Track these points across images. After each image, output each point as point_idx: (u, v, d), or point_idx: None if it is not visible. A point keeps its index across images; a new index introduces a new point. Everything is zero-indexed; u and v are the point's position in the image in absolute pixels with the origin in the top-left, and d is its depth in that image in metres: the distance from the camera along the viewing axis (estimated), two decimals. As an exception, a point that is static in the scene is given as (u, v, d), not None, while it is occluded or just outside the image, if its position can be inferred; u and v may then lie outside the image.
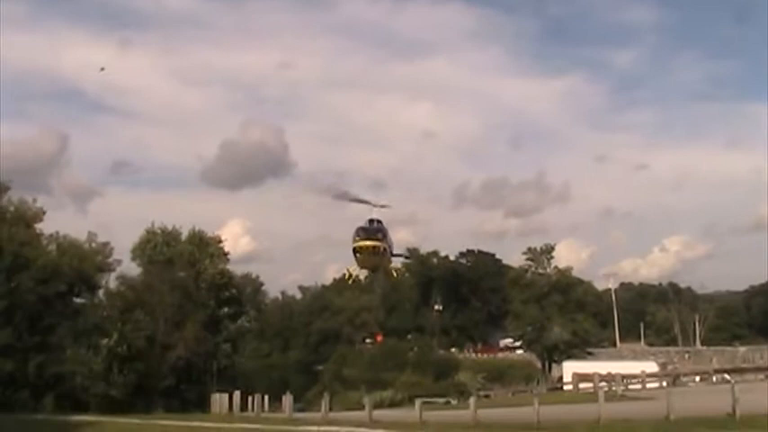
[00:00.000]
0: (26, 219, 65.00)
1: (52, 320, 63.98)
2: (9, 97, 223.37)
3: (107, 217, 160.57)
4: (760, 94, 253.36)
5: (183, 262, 78.88)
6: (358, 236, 69.77)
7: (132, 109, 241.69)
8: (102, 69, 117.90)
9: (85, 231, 71.57)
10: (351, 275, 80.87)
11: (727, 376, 60.93)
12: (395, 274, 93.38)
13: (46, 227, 67.88)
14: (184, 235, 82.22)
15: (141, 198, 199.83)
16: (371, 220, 66.99)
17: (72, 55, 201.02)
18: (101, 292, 71.82)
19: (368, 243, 65.67)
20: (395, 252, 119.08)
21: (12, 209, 64.82)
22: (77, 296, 69.36)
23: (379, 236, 69.30)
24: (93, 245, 70.06)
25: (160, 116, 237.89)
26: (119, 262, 73.54)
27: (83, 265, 66.99)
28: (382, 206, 77.82)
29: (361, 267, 67.58)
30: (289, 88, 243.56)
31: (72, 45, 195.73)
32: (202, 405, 62.31)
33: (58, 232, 69.52)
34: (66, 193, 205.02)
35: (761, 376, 64.17)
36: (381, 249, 68.13)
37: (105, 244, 71.03)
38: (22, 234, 62.83)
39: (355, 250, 67.58)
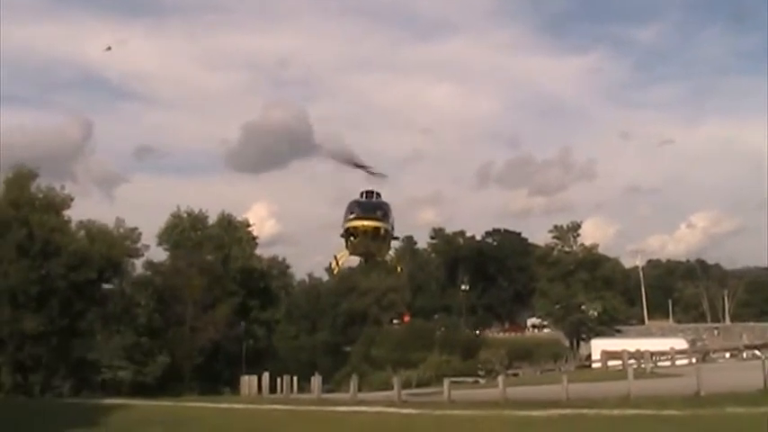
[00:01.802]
0: (55, 205, 65.69)
1: (82, 306, 64.86)
2: (35, 86, 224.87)
3: (133, 203, 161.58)
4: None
5: (210, 246, 79.47)
6: (352, 213, 41.90)
7: (156, 95, 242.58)
8: (109, 48, 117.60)
9: (111, 218, 72.18)
10: (337, 265, 46.41)
11: (757, 352, 60.51)
12: (398, 269, 71.46)
13: (73, 214, 68.54)
14: (211, 219, 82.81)
15: (166, 183, 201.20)
16: (369, 193, 42.50)
17: (95, 42, 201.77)
18: (129, 278, 72.59)
19: (366, 224, 41.34)
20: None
21: (40, 196, 65.50)
22: (106, 282, 70.10)
23: (379, 214, 42.81)
24: (122, 230, 70.67)
25: (183, 101, 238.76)
26: (146, 247, 74.30)
27: (111, 251, 67.67)
28: (381, 175, 52.58)
29: (352, 254, 42.25)
30: (310, 70, 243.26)
31: (95, 33, 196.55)
32: (234, 387, 62.93)
33: (87, 219, 70.24)
34: (92, 179, 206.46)
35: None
36: (383, 232, 42.91)
37: (133, 229, 71.70)
38: (52, 221, 63.58)
39: (348, 232, 41.76)
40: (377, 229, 38.40)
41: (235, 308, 75.88)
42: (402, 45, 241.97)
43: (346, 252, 41.30)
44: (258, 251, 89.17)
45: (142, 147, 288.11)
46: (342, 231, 39.48)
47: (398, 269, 74.72)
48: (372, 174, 41.07)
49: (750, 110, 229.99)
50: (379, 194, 40.91)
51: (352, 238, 38.93)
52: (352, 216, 38.49)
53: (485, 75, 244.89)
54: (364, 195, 40.17)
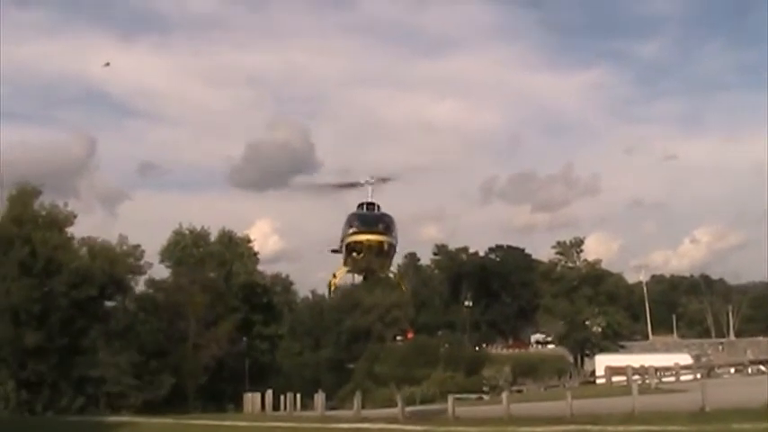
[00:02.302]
0: (58, 222, 65.66)
1: (84, 323, 64.64)
2: (39, 103, 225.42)
3: (136, 220, 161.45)
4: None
5: (213, 262, 79.39)
6: (352, 226, 36.63)
7: (159, 112, 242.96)
8: (107, 64, 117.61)
9: (114, 235, 72.05)
10: (334, 284, 40.53)
11: (762, 367, 60.41)
12: (403, 287, 65.81)
13: (76, 230, 68.46)
14: (213, 236, 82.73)
15: (170, 200, 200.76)
16: (370, 204, 35.51)
17: (99, 60, 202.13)
18: (132, 295, 72.46)
19: (372, 238, 35.45)
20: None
21: (44, 213, 65.47)
22: (109, 299, 69.95)
23: (382, 227, 36.34)
24: (125, 247, 70.56)
25: (187, 118, 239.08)
26: (149, 265, 74.17)
27: (114, 268, 67.55)
28: (383, 180, 41.00)
29: (352, 271, 35.31)
30: (314, 88, 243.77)
31: (99, 49, 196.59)
32: (238, 404, 62.71)
33: (89, 236, 70.14)
34: (95, 196, 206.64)
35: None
36: (386, 247, 36.52)
37: (136, 246, 71.58)
38: (54, 238, 63.53)
39: (349, 247, 36.71)
40: (381, 243, 35.27)
41: (237, 324, 75.65)
42: (405, 62, 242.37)
43: (344, 269, 38.67)
44: (262, 268, 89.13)
45: (146, 163, 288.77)
46: (339, 246, 36.90)
47: (402, 288, 74.20)
48: (369, 183, 37.69)
49: (751, 124, 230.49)
50: (379, 206, 37.47)
51: (354, 254, 35.76)
52: (352, 230, 35.57)
53: (488, 90, 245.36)
54: (364, 207, 36.98)
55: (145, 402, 62.22)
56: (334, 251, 40.44)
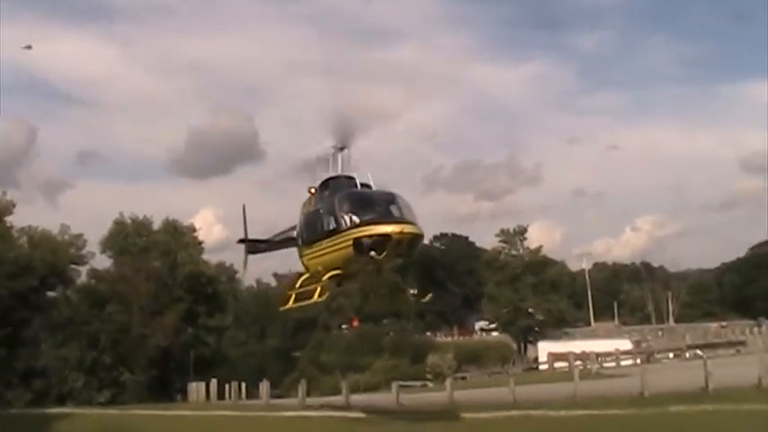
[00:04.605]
0: (-4, 211, 64.62)
1: (25, 314, 63.65)
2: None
3: (78, 209, 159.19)
4: (728, 75, 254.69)
5: (156, 252, 78.48)
6: (358, 213, 25.59)
7: (101, 100, 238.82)
8: (29, 47, 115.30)
9: (56, 225, 70.95)
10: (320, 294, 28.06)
11: (699, 352, 61.53)
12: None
13: (16, 220, 67.35)
14: (156, 224, 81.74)
15: (113, 190, 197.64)
16: (363, 184, 27.93)
17: (39, 47, 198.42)
18: (74, 285, 71.52)
19: (407, 229, 24.54)
20: None
21: (-19, 202, 64.38)
22: (50, 290, 68.96)
23: (407, 213, 25.92)
24: (66, 237, 69.58)
25: (129, 107, 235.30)
26: (92, 254, 73.21)
27: (55, 258, 66.67)
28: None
29: (342, 275, 27.47)
30: (258, 76, 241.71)
31: (40, 37, 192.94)
32: (185, 394, 62.37)
33: (30, 225, 69.09)
34: (36, 185, 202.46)
35: (732, 351, 65.08)
36: (418, 242, 26.68)
37: (78, 236, 70.72)
38: (-8, 228, 62.50)
39: (362, 243, 24.85)
40: (415, 237, 24.90)
41: (182, 314, 74.95)
42: (349, 52, 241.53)
43: (321, 275, 26.80)
44: (206, 257, 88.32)
45: (87, 152, 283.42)
46: (338, 242, 25.51)
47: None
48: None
49: (691, 116, 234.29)
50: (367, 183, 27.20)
51: (371, 252, 24.35)
52: (368, 218, 24.79)
53: (432, 81, 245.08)
54: (357, 185, 27.13)
55: (88, 393, 61.58)
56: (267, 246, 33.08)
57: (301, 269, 30.01)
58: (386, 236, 24.23)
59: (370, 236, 24.47)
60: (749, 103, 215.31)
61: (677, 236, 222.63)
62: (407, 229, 24.47)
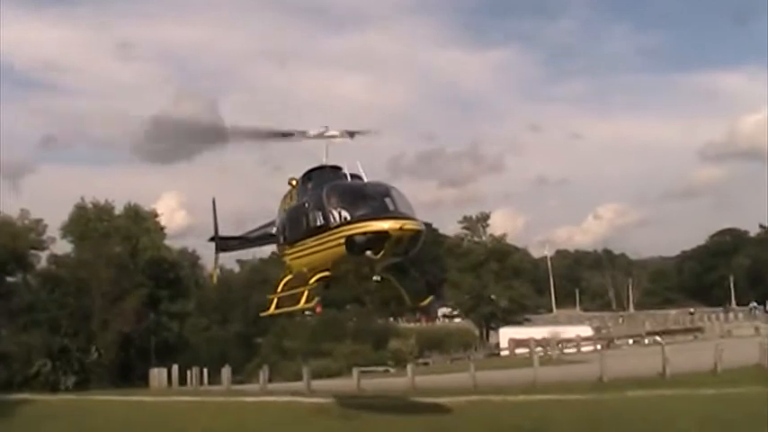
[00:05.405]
0: (-47, 196, 63.84)
1: (-16, 300, 62.99)
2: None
3: (39, 194, 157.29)
4: (690, 65, 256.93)
5: (118, 237, 77.87)
6: (350, 208, 22.12)
7: (63, 84, 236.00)
8: None
9: (17, 210, 70.16)
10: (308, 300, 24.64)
11: (658, 338, 62.41)
12: None
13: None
14: (118, 209, 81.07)
15: (75, 174, 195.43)
16: (351, 175, 23.94)
17: (2, 31, 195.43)
18: (34, 271, 70.86)
19: (408, 225, 20.99)
20: None
21: (-63, 186, 63.55)
22: (10, 275, 68.23)
23: (405, 209, 22.25)
24: (26, 222, 68.82)
25: (91, 91, 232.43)
26: (52, 239, 72.49)
27: (15, 243, 65.89)
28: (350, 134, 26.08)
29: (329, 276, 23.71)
30: (222, 62, 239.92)
31: (2, 21, 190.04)
32: (147, 381, 62.06)
33: (-13, 211, 68.26)
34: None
35: (690, 337, 66.12)
36: (421, 240, 22.38)
37: (38, 221, 69.97)
38: (-51, 212, 61.71)
39: (354, 243, 21.47)
40: (418, 234, 21.43)
41: (144, 300, 74.42)
42: (315, 37, 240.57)
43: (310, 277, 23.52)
44: (169, 242, 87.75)
45: (48, 136, 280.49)
46: (327, 240, 22.19)
47: None
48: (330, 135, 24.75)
49: (653, 106, 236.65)
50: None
51: (366, 251, 21.16)
52: (360, 213, 21.50)
53: (397, 67, 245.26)
54: (347, 176, 23.55)
55: (48, 379, 61.03)
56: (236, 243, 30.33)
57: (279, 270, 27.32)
58: (384, 233, 20.95)
59: (365, 233, 21.14)
60: (710, 93, 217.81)
61: (638, 224, 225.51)
62: (408, 225, 21.06)
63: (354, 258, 21.76)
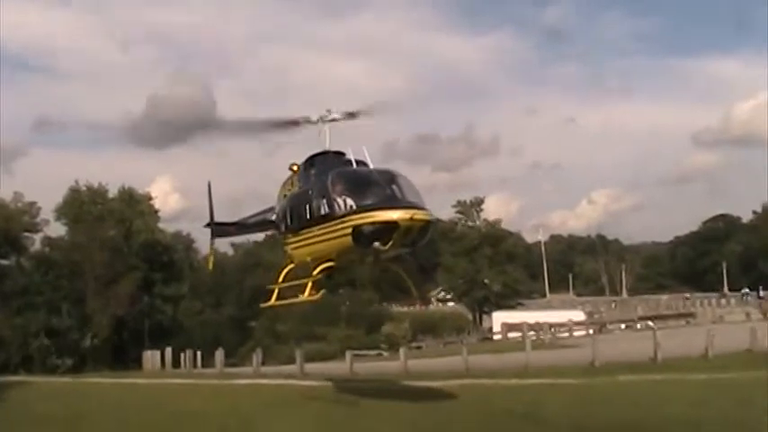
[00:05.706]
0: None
1: (-22, 283, 62.94)
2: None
3: (33, 177, 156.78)
4: (685, 51, 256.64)
5: (112, 220, 77.79)
6: (352, 195, 20.97)
7: (57, 67, 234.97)
8: None
9: (10, 193, 70.00)
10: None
11: (650, 323, 62.67)
12: None
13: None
14: (112, 192, 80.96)
15: (68, 158, 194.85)
16: (357, 161, 22.36)
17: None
18: (28, 254, 70.80)
19: (417, 215, 19.87)
20: None
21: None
22: (4, 258, 68.16)
23: (413, 198, 21.09)
24: (20, 205, 68.68)
25: (86, 74, 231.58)
26: (46, 222, 72.40)
27: (9, 225, 65.81)
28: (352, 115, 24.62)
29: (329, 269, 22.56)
30: (217, 45, 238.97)
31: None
32: (141, 363, 62.19)
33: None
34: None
35: (682, 322, 66.35)
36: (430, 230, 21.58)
37: (32, 204, 69.85)
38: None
39: (361, 233, 20.18)
40: (427, 224, 20.44)
41: (138, 283, 74.45)
42: (311, 21, 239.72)
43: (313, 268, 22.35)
44: (163, 226, 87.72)
45: (42, 119, 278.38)
46: (332, 229, 20.97)
47: None
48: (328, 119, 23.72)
49: (648, 91, 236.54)
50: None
51: (374, 243, 19.97)
52: (367, 202, 20.37)
53: (392, 51, 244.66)
54: (352, 163, 22.20)
55: (44, 361, 61.10)
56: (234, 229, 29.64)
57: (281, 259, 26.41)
58: (393, 223, 19.90)
59: (373, 223, 20.09)
60: (705, 79, 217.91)
61: (632, 209, 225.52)
62: (418, 215, 20.03)
63: (361, 249, 20.88)
